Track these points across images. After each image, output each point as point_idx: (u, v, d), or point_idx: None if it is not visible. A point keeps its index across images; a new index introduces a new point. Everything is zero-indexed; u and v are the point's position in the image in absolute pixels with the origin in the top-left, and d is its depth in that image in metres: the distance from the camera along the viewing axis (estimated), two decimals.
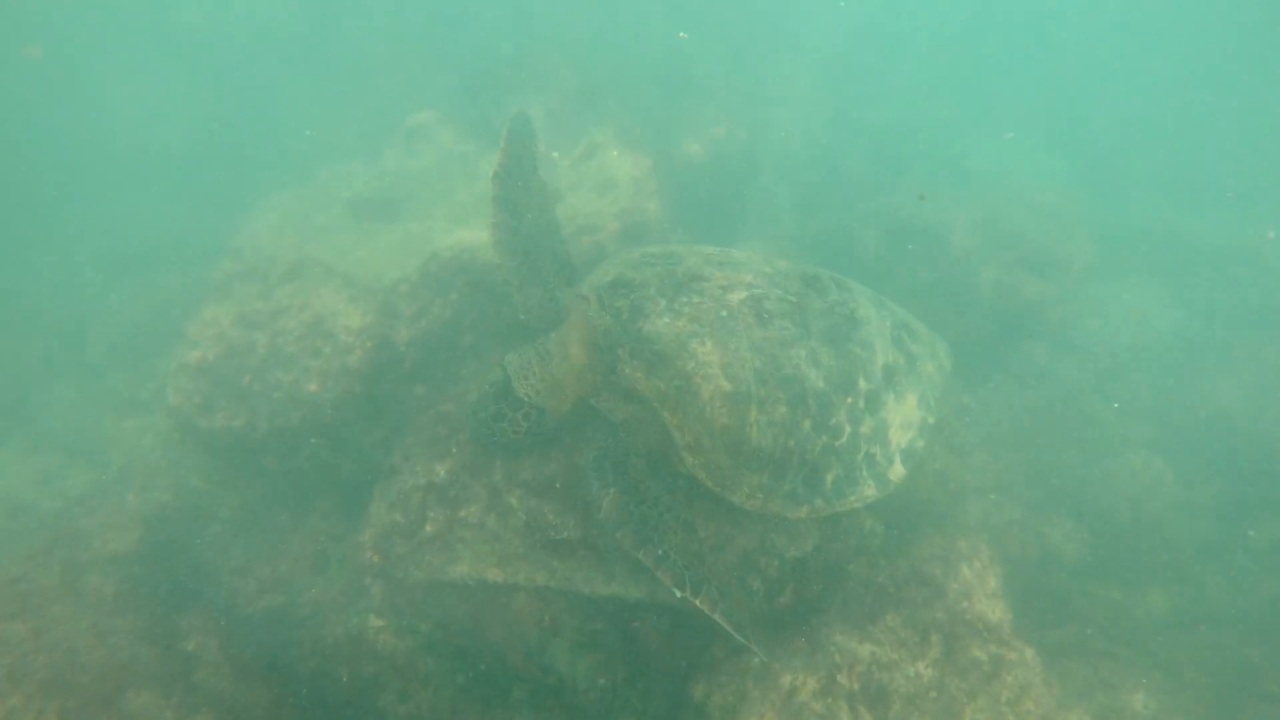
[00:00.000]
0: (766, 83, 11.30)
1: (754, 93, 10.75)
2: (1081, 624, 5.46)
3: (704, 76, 10.66)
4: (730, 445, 4.36)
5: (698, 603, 4.02)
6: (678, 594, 4.02)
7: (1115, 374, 8.05)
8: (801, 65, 13.28)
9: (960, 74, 15.46)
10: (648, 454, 4.60)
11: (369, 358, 5.65)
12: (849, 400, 4.67)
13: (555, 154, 8.11)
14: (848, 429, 4.66)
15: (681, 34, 11.50)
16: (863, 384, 4.74)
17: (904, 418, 5.03)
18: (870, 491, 4.76)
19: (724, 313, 4.55)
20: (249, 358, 5.67)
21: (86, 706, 3.50)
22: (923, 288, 8.16)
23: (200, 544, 5.43)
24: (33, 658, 3.60)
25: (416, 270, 6.16)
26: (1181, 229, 10.29)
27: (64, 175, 11.02)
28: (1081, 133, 14.19)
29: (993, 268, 7.91)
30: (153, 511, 5.34)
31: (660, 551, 4.12)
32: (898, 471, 4.96)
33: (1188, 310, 8.75)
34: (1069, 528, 6.32)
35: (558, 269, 5.50)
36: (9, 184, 10.72)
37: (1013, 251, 8.00)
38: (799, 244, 8.87)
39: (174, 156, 10.32)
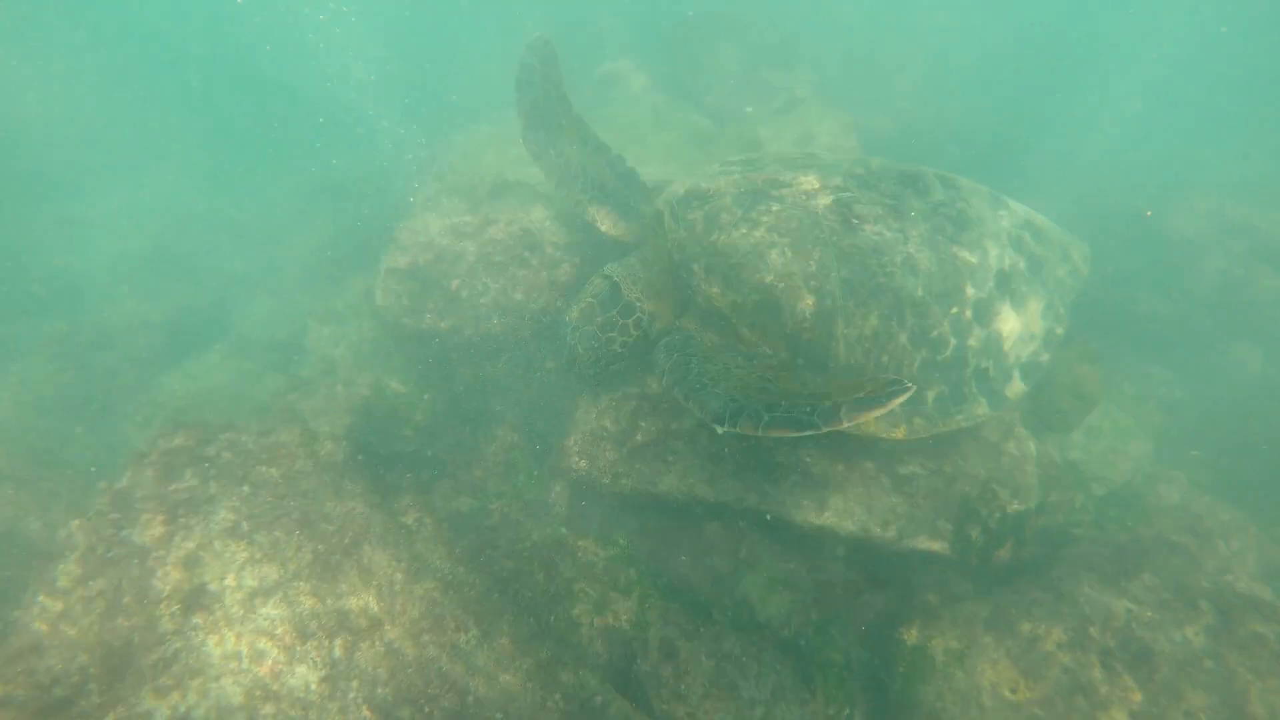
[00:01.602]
0: (945, 69, 10.79)
1: (936, 75, 10.30)
2: None
3: (890, 49, 10.31)
4: (818, 362, 4.08)
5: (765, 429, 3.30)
6: (719, 430, 3.43)
7: None
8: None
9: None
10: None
11: (576, 273, 5.63)
12: (953, 310, 4.25)
13: (749, 109, 7.96)
14: (952, 342, 4.26)
15: None
16: (970, 292, 4.32)
17: (1025, 328, 4.55)
18: (981, 410, 4.36)
19: (807, 219, 4.20)
20: (458, 264, 5.73)
21: (333, 551, 3.54)
22: (1125, 275, 7.58)
23: (398, 442, 5.52)
24: (287, 500, 3.69)
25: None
26: None
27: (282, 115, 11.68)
28: None
29: (1219, 258, 7.24)
30: (358, 403, 5.46)
31: (707, 388, 3.60)
32: (1016, 388, 4.52)
33: None
34: None
35: (621, 180, 5.22)
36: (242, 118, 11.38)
37: (1245, 242, 7.30)
38: None
39: (368, 96, 10.74)
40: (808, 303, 4.04)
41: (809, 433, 3.18)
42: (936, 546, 4.38)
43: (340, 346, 6.99)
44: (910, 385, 3.08)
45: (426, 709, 3.17)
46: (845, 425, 3.09)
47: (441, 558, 3.92)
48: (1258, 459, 6.15)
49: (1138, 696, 3.54)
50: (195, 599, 3.17)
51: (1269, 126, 11.65)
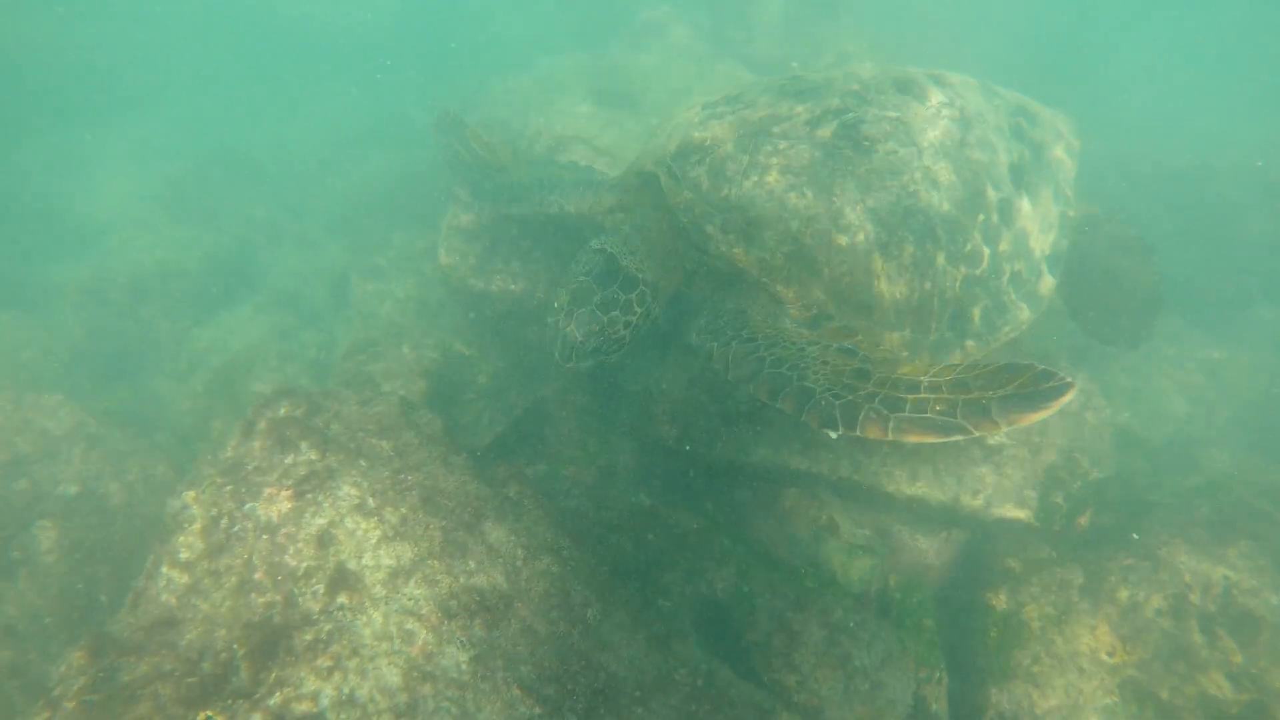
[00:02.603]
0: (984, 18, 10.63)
1: (976, 24, 10.15)
2: None
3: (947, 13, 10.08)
4: (862, 305, 3.79)
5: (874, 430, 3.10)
6: (833, 435, 3.20)
7: None
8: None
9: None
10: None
11: None
12: (980, 218, 4.02)
13: (795, 64, 7.78)
14: (986, 251, 4.05)
15: None
16: (991, 194, 4.09)
17: (1042, 219, 4.41)
18: (1024, 315, 4.23)
19: (818, 152, 3.83)
20: (529, 222, 5.60)
21: (458, 528, 3.52)
22: (1162, 237, 7.64)
23: (467, 406, 5.47)
24: (404, 475, 3.64)
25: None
26: None
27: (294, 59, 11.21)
28: None
29: (1262, 218, 7.31)
30: (429, 366, 5.38)
31: (810, 387, 3.25)
32: (1047, 284, 4.40)
33: None
34: None
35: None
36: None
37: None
38: None
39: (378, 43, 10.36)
40: (841, 242, 3.72)
41: (958, 437, 2.95)
42: (1022, 515, 4.47)
43: (386, 303, 6.87)
44: (1072, 382, 2.91)
45: (569, 686, 3.20)
46: (1002, 429, 2.88)
47: (548, 530, 3.92)
48: None
49: (1238, 659, 3.68)
50: (338, 578, 3.14)
51: None
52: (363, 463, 3.62)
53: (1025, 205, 4.29)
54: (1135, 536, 4.28)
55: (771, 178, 3.82)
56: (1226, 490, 4.57)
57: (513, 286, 5.44)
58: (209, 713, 2.77)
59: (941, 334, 3.99)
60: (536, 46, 8.42)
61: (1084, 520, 4.59)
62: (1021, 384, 3.02)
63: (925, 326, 3.94)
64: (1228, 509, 4.38)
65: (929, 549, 4.83)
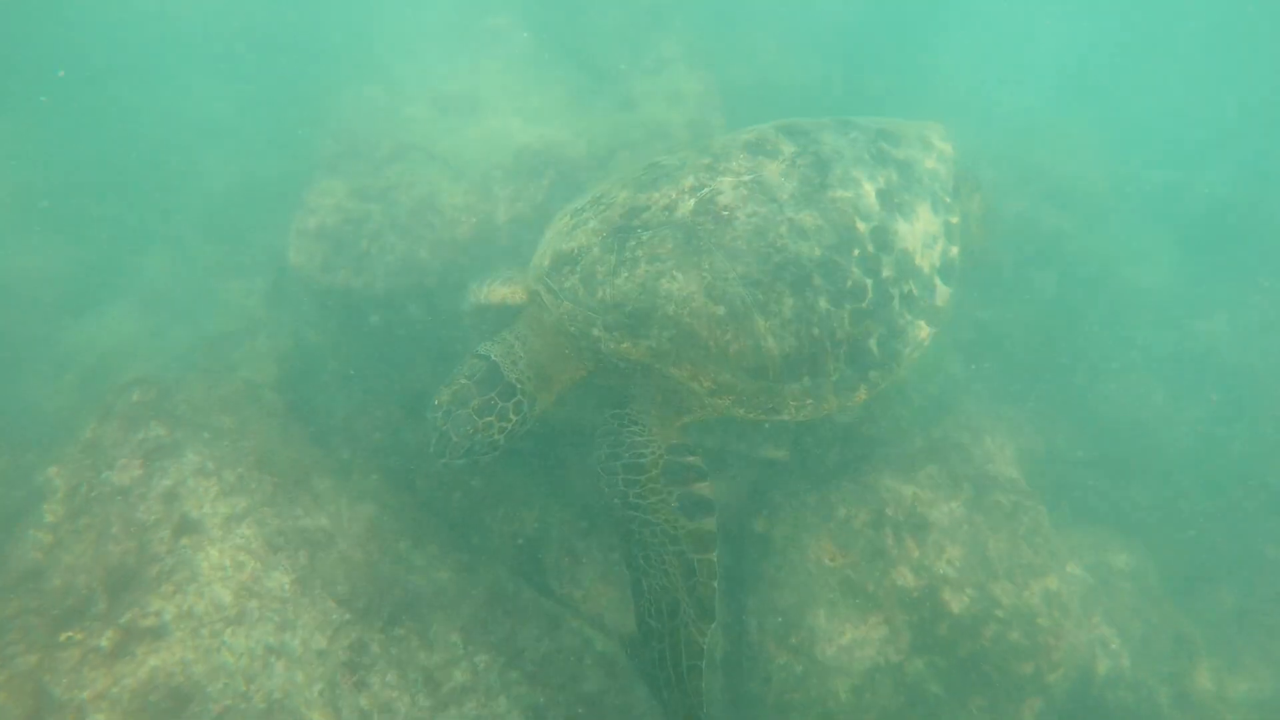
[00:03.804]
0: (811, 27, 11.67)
1: (797, 19, 11.20)
2: (1076, 503, 6.38)
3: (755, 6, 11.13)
4: (753, 367, 3.97)
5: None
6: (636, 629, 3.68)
7: (1121, 307, 8.85)
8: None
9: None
10: (667, 418, 4.16)
11: (474, 232, 6.35)
12: (855, 252, 4.17)
13: (624, 66, 8.65)
14: (868, 283, 4.20)
15: None
16: (861, 226, 4.24)
17: (924, 233, 4.53)
18: (924, 332, 4.47)
19: (680, 234, 3.97)
20: (366, 225, 6.35)
21: (289, 483, 4.30)
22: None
23: (319, 385, 6.18)
24: (243, 443, 4.39)
25: (511, 158, 6.84)
26: (1193, 183, 10.93)
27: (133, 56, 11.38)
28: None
29: (1019, 200, 8.63)
30: (281, 354, 6.07)
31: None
32: (944, 294, 4.60)
33: (1188, 255, 9.50)
34: (1071, 431, 7.21)
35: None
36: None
37: (1038, 185, 8.71)
38: None
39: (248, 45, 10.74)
40: (719, 313, 3.87)
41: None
42: (780, 454, 5.50)
43: (252, 299, 7.47)
44: None
45: (377, 600, 4.04)
46: None
47: (375, 484, 4.73)
48: (1034, 365, 7.65)
49: (916, 554, 4.80)
50: (181, 525, 3.89)
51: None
52: (206, 435, 4.35)
53: (902, 226, 4.43)
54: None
55: (641, 270, 3.93)
56: (939, 426, 5.71)
57: (354, 282, 6.17)
58: (70, 633, 3.50)
59: (842, 373, 4.19)
60: (395, 55, 9.04)
61: (832, 457, 5.65)
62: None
63: (823, 371, 4.12)
64: (935, 441, 5.52)
65: (722, 489, 5.82)
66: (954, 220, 4.76)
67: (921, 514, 4.93)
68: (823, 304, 4.03)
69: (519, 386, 4.12)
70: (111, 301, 7.95)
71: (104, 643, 3.46)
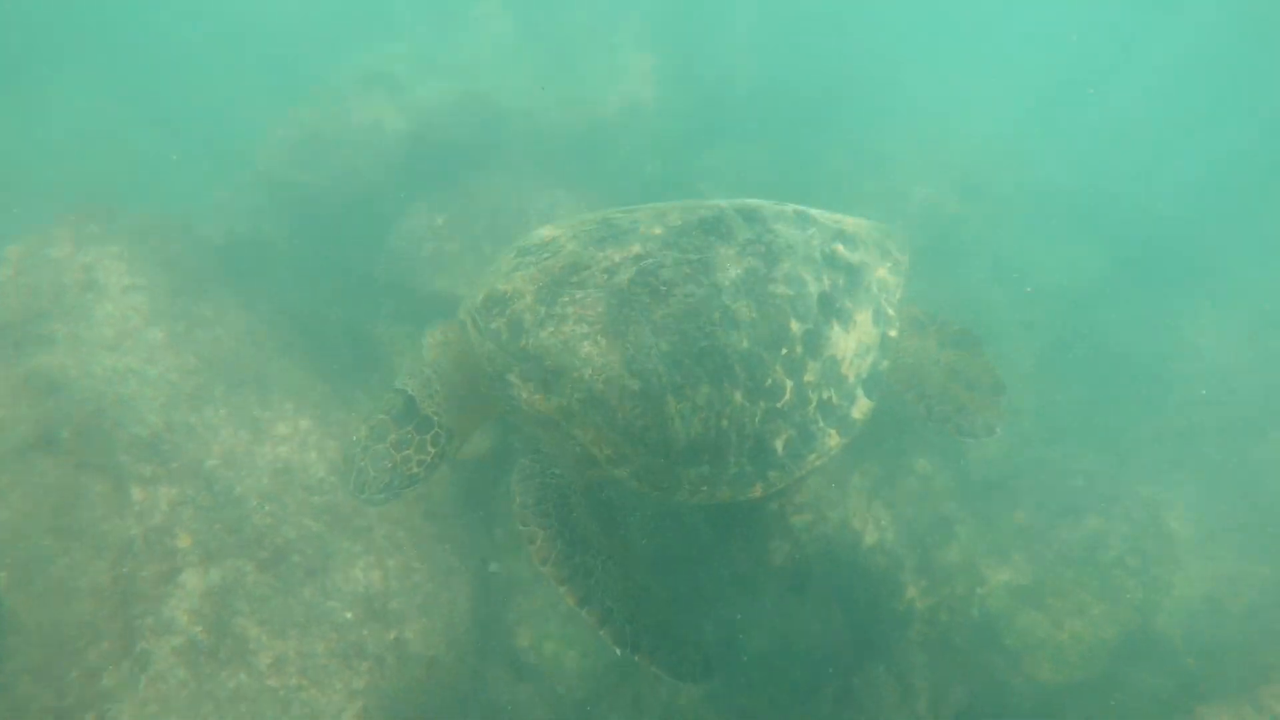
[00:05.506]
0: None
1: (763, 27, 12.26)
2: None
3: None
4: (656, 445, 3.92)
5: (637, 659, 3.72)
6: (618, 652, 3.70)
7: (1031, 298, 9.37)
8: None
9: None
10: (576, 467, 4.12)
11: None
12: (783, 352, 4.13)
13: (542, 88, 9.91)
14: (789, 384, 4.16)
15: None
16: (795, 327, 4.18)
17: (858, 343, 4.48)
18: (833, 441, 4.38)
19: (614, 300, 3.91)
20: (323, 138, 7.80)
21: (189, 281, 5.50)
22: (866, 196, 9.62)
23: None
24: (161, 250, 5.62)
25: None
26: (1099, 188, 11.11)
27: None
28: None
29: (926, 186, 9.48)
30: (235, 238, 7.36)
31: (603, 607, 3.74)
32: (863, 406, 4.51)
33: (1092, 250, 9.95)
34: None
35: None
36: None
37: (947, 175, 9.55)
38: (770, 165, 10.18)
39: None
40: (633, 387, 3.82)
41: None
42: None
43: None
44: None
45: (236, 369, 5.16)
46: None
47: (267, 306, 5.89)
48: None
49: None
50: (88, 284, 5.11)
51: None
52: (132, 238, 5.59)
53: (836, 333, 4.36)
54: None
55: (567, 328, 3.87)
56: None
57: (309, 178, 7.61)
58: None
59: (741, 467, 4.11)
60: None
61: None
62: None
63: (724, 462, 4.06)
64: None
65: None
66: (892, 334, 4.67)
67: None
68: (738, 397, 4.01)
69: (436, 420, 4.12)
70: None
71: (9, 348, 4.69)
